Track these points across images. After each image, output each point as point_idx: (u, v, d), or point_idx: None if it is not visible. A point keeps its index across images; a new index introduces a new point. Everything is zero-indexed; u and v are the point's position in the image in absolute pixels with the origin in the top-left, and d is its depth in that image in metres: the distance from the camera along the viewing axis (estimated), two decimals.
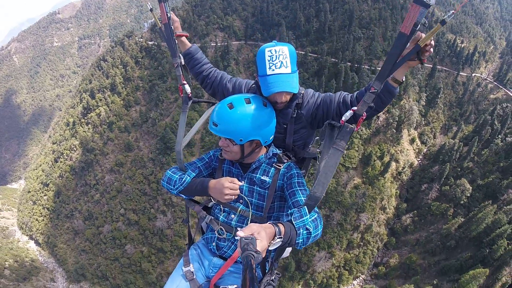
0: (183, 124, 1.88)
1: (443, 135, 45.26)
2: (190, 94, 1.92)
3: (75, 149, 52.06)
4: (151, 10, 1.80)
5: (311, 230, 1.29)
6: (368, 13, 43.60)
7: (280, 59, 1.55)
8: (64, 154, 53.76)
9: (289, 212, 1.43)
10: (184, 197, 1.79)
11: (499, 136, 37.64)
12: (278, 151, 1.78)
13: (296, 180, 1.62)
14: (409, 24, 1.08)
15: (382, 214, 40.62)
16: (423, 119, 44.96)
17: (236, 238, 1.54)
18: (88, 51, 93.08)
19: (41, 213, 57.14)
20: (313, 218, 1.33)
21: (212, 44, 45.62)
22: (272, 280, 1.59)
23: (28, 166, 76.48)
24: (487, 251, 30.82)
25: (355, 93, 1.67)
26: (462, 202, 36.60)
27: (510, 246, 30.05)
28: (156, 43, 47.46)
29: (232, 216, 1.74)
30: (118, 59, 49.14)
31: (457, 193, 36.28)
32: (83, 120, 51.33)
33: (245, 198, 1.71)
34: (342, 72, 39.09)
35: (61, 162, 54.60)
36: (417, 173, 42.73)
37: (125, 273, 44.57)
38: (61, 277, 50.80)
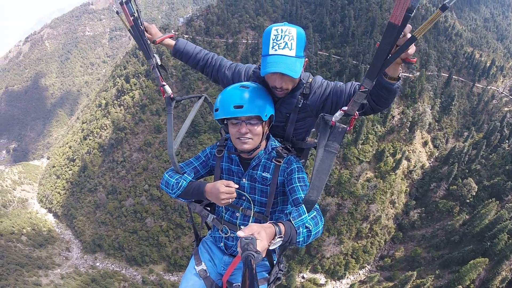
0: (171, 126, 1.89)
1: (455, 140, 49.93)
2: (172, 95, 1.90)
3: (105, 128, 59.01)
4: (117, 13, 1.78)
5: (311, 228, 1.34)
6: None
7: (285, 40, 1.52)
8: (94, 132, 60.70)
9: (287, 211, 1.50)
10: (183, 200, 1.81)
11: (507, 141, 42.22)
12: (277, 144, 1.82)
13: (296, 176, 1.66)
14: (400, 12, 0.96)
15: (391, 208, 45.14)
16: (436, 124, 49.87)
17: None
18: (118, 43, 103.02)
19: (63, 187, 63.70)
20: (312, 215, 1.38)
21: (243, 41, 52.45)
22: (281, 270, 1.80)
23: (51, 145, 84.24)
24: (488, 244, 34.46)
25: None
26: (468, 200, 40.93)
27: (510, 241, 33.45)
28: (191, 36, 54.63)
29: (237, 214, 1.82)
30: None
31: (463, 191, 40.74)
32: (116, 102, 58.44)
33: (247, 195, 1.78)
34: (362, 72, 44.77)
35: (90, 139, 61.56)
36: (428, 174, 47.31)
37: (141, 246, 49.79)
38: (77, 247, 56.15)
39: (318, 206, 1.45)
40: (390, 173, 44.44)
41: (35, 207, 68.34)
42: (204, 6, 71.31)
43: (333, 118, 1.34)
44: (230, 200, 1.66)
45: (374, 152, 44.97)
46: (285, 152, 1.75)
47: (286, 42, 1.53)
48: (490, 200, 37.67)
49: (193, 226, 2.08)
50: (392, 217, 45.29)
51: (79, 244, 56.42)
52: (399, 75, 1.38)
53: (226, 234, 1.85)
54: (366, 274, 44.17)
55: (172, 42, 2.08)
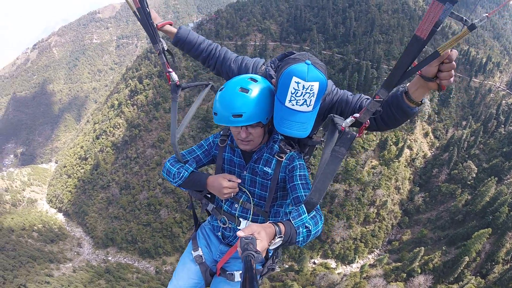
0: (175, 114, 1.93)
1: (455, 130, 54.83)
2: (178, 82, 1.91)
3: (118, 126, 64.02)
4: None
5: (310, 228, 1.39)
6: (388, 21, 56.00)
7: (305, 97, 1.46)
8: (107, 131, 65.64)
9: (287, 211, 1.61)
10: (184, 189, 1.90)
11: (503, 126, 47.15)
12: (280, 137, 1.83)
13: (298, 173, 1.70)
14: (427, 26, 0.98)
15: (396, 194, 49.35)
16: (436, 116, 54.94)
17: (239, 228, 1.84)
18: (125, 50, 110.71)
19: (75, 185, 67.62)
20: (312, 215, 1.43)
21: (251, 43, 58.51)
22: (274, 263, 1.90)
23: (59, 150, 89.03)
24: (490, 218, 37.99)
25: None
26: (469, 182, 45.28)
27: (511, 213, 36.81)
28: None
29: (236, 206, 1.88)
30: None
31: (464, 174, 45.19)
32: (129, 101, 63.80)
33: (247, 190, 1.85)
34: (363, 68, 50.33)
35: (103, 138, 66.42)
36: (430, 162, 51.88)
37: (155, 237, 53.24)
38: (88, 244, 58.74)
39: (318, 206, 1.49)
40: (394, 160, 48.99)
41: (45, 207, 71.41)
42: (209, 14, 78.26)
43: (343, 124, 1.36)
44: (232, 194, 1.79)
45: (377, 141, 49.70)
46: (288, 148, 1.78)
47: (305, 100, 1.47)
48: (490, 179, 41.92)
49: (193, 212, 2.18)
50: (398, 203, 49.40)
51: (91, 240, 59.15)
52: (421, 101, 1.35)
53: (224, 224, 1.92)
54: (375, 258, 47.76)
55: (173, 29, 2.01)
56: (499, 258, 35.33)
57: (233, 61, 2.01)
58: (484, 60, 63.10)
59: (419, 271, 38.84)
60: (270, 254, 1.89)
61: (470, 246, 36.20)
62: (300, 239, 1.36)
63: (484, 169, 45.10)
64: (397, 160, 48.98)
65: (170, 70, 1.88)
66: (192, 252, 2.02)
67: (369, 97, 1.60)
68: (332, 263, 46.94)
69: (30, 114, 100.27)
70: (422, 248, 40.09)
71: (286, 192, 1.85)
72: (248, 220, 1.86)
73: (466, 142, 48.92)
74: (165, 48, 1.85)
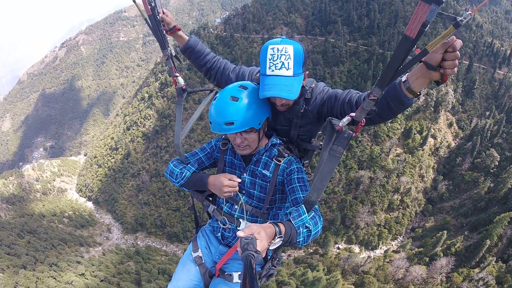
0: (180, 117, 2.06)
1: (479, 121, 56.45)
2: (184, 86, 2.07)
3: (149, 118, 68.77)
4: (134, 1, 1.90)
5: (310, 228, 1.45)
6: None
7: (281, 60, 1.59)
8: (138, 122, 70.52)
9: (287, 211, 1.60)
10: (186, 189, 2.02)
11: None
12: (279, 141, 1.95)
13: (296, 176, 1.79)
14: (415, 26, 1.06)
15: (420, 182, 51.48)
16: (460, 107, 56.74)
17: (238, 228, 1.92)
18: (152, 48, 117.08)
19: (105, 174, 72.39)
20: (311, 216, 1.50)
21: (277, 36, 62.10)
22: (274, 266, 1.95)
23: (88, 143, 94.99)
24: None
25: (364, 93, 1.67)
26: (491, 170, 47.02)
27: None
28: (229, 33, 64.80)
29: (236, 207, 1.97)
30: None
31: (487, 162, 47.00)
32: (159, 94, 68.51)
33: (247, 190, 1.92)
34: (388, 58, 52.92)
35: (133, 129, 71.35)
36: (454, 151, 53.76)
37: (184, 222, 56.79)
38: (117, 229, 62.25)
39: (317, 207, 1.56)
40: (418, 149, 51.21)
41: (74, 197, 76.24)
42: (235, 9, 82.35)
43: (340, 123, 1.42)
44: (232, 194, 1.87)
45: (402, 129, 52.07)
46: (286, 152, 1.89)
47: (283, 62, 1.59)
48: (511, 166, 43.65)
49: (194, 214, 2.29)
50: (422, 191, 51.52)
51: (120, 226, 62.62)
52: (420, 92, 1.36)
53: (224, 225, 2.00)
54: (398, 245, 49.96)
55: (184, 35, 2.14)
56: None
57: (231, 71, 2.14)
58: (509, 52, 64.21)
59: (442, 255, 40.45)
60: (269, 256, 1.94)
61: (491, 230, 37.65)
62: (301, 239, 1.42)
63: (507, 158, 46.66)
64: (421, 149, 51.15)
65: (177, 74, 2.04)
66: (192, 253, 2.09)
67: (358, 92, 1.74)
68: (356, 248, 49.17)
69: (59, 109, 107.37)
70: (445, 232, 42.03)
71: (284, 195, 1.94)
72: (247, 221, 1.94)
73: (489, 132, 50.56)
74: (173, 54, 2.01)
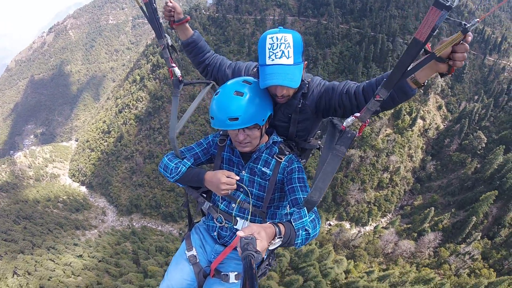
0: (176, 109, 2.04)
1: (467, 104, 58.26)
2: (181, 77, 2.04)
3: (141, 100, 68.78)
4: None
5: (309, 231, 1.45)
6: None
7: (281, 48, 1.58)
8: (130, 105, 70.46)
9: (288, 212, 1.61)
10: (180, 185, 1.94)
11: None
12: (279, 139, 1.93)
13: (296, 176, 1.77)
14: (425, 30, 1.09)
15: (409, 162, 53.17)
16: (449, 90, 58.42)
17: (236, 227, 1.89)
18: (141, 30, 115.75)
19: (98, 158, 72.40)
20: (311, 218, 1.50)
21: (270, 18, 62.44)
22: (269, 264, 1.95)
23: (79, 128, 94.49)
24: (498, 183, 41.11)
25: (363, 84, 1.66)
26: (478, 152, 48.80)
27: None
28: (222, 14, 64.88)
29: (233, 205, 1.91)
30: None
31: (474, 143, 48.76)
32: (151, 75, 68.46)
33: (246, 188, 1.87)
34: (379, 41, 53.97)
35: (125, 112, 71.28)
36: (442, 133, 55.53)
37: (178, 201, 57.61)
38: (112, 212, 62.91)
39: (316, 209, 1.57)
40: (407, 129, 52.75)
41: (67, 182, 76.42)
42: None
43: (345, 123, 1.44)
44: (229, 191, 1.79)
45: (392, 110, 53.48)
46: (287, 150, 1.88)
47: (283, 51, 1.58)
48: (498, 147, 45.25)
49: (187, 211, 2.22)
50: (410, 170, 53.24)
51: (114, 209, 63.42)
52: (424, 83, 1.38)
53: (221, 223, 1.95)
54: (388, 221, 51.77)
55: (189, 29, 2.10)
56: (506, 222, 38.35)
57: (227, 66, 2.13)
58: (500, 39, 65.95)
59: (429, 231, 42.04)
60: (266, 256, 1.91)
61: (477, 208, 39.19)
62: (299, 241, 1.43)
63: (494, 140, 48.28)
64: (410, 129, 52.69)
65: (174, 65, 2.01)
66: (186, 252, 2.01)
67: (356, 82, 1.72)
68: (346, 225, 50.71)
69: (49, 95, 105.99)
70: (432, 208, 43.78)
71: (283, 193, 1.92)
72: (246, 219, 1.90)
73: (477, 115, 52.27)
74: (170, 44, 1.97)
